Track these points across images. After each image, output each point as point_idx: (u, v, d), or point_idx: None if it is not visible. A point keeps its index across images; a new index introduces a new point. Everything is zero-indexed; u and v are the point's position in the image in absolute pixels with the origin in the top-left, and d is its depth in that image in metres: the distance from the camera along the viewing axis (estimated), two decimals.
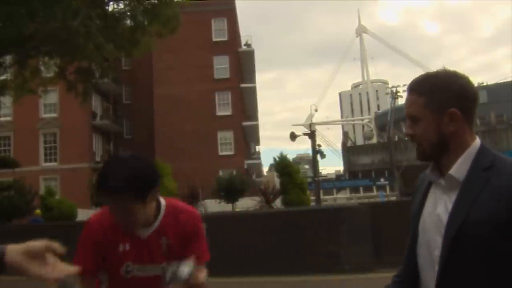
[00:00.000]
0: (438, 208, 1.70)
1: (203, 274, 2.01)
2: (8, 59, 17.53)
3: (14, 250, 1.41)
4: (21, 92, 18.37)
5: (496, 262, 1.56)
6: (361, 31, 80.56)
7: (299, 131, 33.29)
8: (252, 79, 44.75)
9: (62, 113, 35.20)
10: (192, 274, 1.90)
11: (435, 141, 1.70)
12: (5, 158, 14.47)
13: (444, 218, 1.65)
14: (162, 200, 2.19)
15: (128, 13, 17.66)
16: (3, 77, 18.44)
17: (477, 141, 1.71)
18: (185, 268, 1.88)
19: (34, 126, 35.49)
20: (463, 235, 1.59)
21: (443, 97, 1.69)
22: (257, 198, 13.81)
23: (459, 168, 1.67)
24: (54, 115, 36.03)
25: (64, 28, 14.59)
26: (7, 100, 21.81)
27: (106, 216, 2.15)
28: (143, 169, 2.02)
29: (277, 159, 13.49)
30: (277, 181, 25.92)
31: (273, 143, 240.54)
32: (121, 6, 17.90)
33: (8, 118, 35.60)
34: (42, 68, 18.70)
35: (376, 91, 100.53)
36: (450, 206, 1.66)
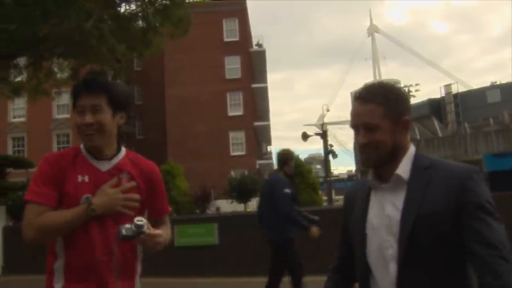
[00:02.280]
0: (386, 209, 1.79)
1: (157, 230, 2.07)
2: (22, 60, 17.69)
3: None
4: (35, 93, 18.53)
5: (451, 250, 1.68)
6: (373, 30, 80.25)
7: (310, 131, 33.22)
8: (263, 79, 44.72)
9: None
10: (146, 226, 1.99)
11: (390, 149, 1.79)
12: (19, 159, 14.60)
13: (395, 216, 1.74)
14: (123, 147, 2.32)
15: (140, 14, 17.73)
16: (18, 79, 18.62)
17: (412, 145, 1.86)
18: (138, 223, 1.96)
19: (48, 127, 35.78)
20: (418, 229, 1.68)
21: (398, 107, 1.79)
22: None
23: (404, 168, 1.79)
24: (67, 116, 36.30)
25: (77, 30, 14.69)
26: (21, 101, 22.03)
27: (65, 150, 2.24)
28: (119, 85, 2.28)
29: None
30: None
31: (284, 143, 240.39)
32: (133, 7, 17.98)
33: (22, 119, 35.98)
34: (56, 69, 18.86)
35: None
36: (399, 204, 1.75)
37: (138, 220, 1.96)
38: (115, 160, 2.21)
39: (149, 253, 2.21)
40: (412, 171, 1.79)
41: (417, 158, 1.82)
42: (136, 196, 2.09)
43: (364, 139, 1.79)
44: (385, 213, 1.78)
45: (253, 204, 13.97)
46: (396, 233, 1.73)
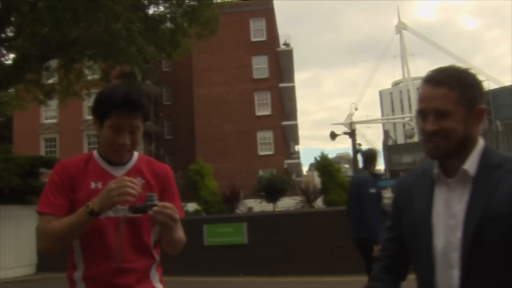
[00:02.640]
0: (452, 207, 1.65)
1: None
2: (54, 63, 18.03)
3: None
4: (66, 95, 18.88)
5: None
6: (401, 27, 79.27)
7: (338, 130, 33.05)
8: (290, 78, 44.66)
9: None
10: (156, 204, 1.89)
11: (462, 138, 1.63)
12: (52, 159, 14.88)
13: (460, 216, 1.61)
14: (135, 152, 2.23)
15: (168, 16, 17.90)
16: (49, 81, 19.00)
17: (482, 140, 1.69)
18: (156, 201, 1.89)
19: (78, 127, 36.37)
20: (484, 232, 1.55)
21: (472, 93, 1.64)
22: (298, 198, 13.77)
23: (471, 164, 1.64)
24: None
25: (107, 32, 14.90)
26: (53, 103, 22.45)
27: (77, 157, 2.16)
28: (145, 95, 2.17)
29: (318, 158, 13.43)
30: (317, 181, 25.73)
31: (311, 143, 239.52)
32: (161, 8, 18.16)
33: (54, 121, 36.71)
34: (86, 71, 19.17)
35: (417, 88, 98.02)
36: (464, 203, 1.62)
37: (148, 194, 1.91)
38: (130, 165, 2.14)
39: (179, 253, 2.15)
40: (480, 167, 1.64)
41: (486, 153, 1.67)
42: (134, 180, 1.93)
43: (433, 126, 1.63)
44: (450, 211, 1.65)
45: (281, 204, 13.94)
46: (461, 234, 1.60)
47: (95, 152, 2.17)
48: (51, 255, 2.10)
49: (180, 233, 2.10)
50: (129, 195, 1.87)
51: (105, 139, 2.06)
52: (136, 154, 2.20)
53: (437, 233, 1.66)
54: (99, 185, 2.04)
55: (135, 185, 1.89)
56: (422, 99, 1.68)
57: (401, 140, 76.98)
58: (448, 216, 1.65)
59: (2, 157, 12.25)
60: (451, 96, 1.61)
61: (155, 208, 1.86)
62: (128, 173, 2.08)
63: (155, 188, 2.11)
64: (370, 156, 6.63)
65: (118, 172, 2.09)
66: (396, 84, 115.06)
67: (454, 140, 1.63)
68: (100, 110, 2.08)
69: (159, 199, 1.99)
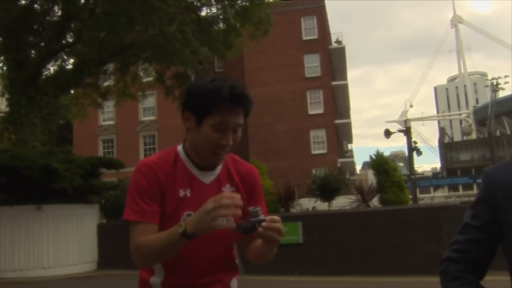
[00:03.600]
0: None
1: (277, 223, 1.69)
2: (110, 66, 18.58)
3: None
4: (122, 96, 19.43)
5: None
6: (456, 21, 77.10)
7: (392, 128, 32.49)
8: (343, 76, 44.22)
9: (160, 116, 36.72)
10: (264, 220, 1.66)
11: None
12: (111, 160, 15.32)
13: None
14: None
15: (221, 17, 18.12)
16: (106, 83, 19.60)
17: None
18: (262, 216, 1.66)
19: (134, 129, 37.29)
20: None
21: None
22: (353, 197, 13.64)
23: None
24: (152, 118, 37.65)
25: (162, 35, 15.24)
26: (110, 105, 23.12)
27: (161, 156, 1.90)
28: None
29: (373, 156, 13.26)
30: (371, 180, 25.31)
31: (363, 141, 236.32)
32: (214, 10, 18.41)
33: (111, 122, 37.82)
34: (141, 73, 19.65)
35: (474, 84, 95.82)
36: None
37: (251, 208, 1.67)
38: (218, 170, 1.91)
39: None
40: None
41: None
42: (239, 201, 1.60)
43: None
44: None
45: (336, 203, 13.83)
46: None
47: (180, 151, 1.91)
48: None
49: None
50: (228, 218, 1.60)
51: (205, 140, 1.79)
52: None
53: None
54: (188, 193, 1.83)
55: (236, 205, 1.58)
56: None
57: (457, 137, 74.86)
58: None
59: (64, 158, 12.72)
60: None
61: (264, 224, 1.65)
62: (218, 180, 1.89)
63: (243, 195, 1.86)
64: None
65: (208, 178, 1.87)
66: (452, 79, 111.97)
67: None
68: (200, 106, 1.79)
69: (245, 205, 1.81)
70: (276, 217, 1.68)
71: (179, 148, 1.92)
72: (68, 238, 12.76)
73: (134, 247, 1.76)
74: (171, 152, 1.91)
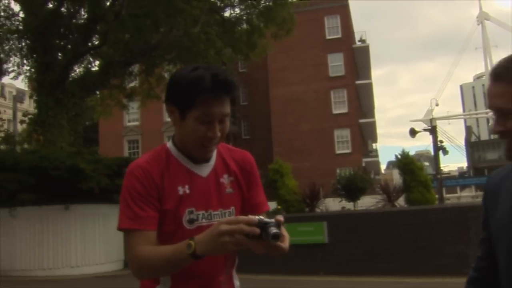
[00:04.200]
0: None
1: (286, 242, 1.57)
2: (135, 67, 18.78)
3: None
4: (147, 97, 19.61)
5: None
6: (483, 18, 75.78)
7: (417, 127, 32.11)
8: (367, 75, 43.92)
9: None
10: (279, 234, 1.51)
11: None
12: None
13: None
14: None
15: (244, 17, 18.16)
16: (131, 85, 19.81)
17: None
18: (274, 229, 1.49)
19: (159, 129, 37.61)
20: None
21: None
22: (378, 197, 13.55)
23: None
24: None
25: (186, 36, 15.35)
26: (135, 105, 23.38)
27: (152, 156, 1.80)
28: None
29: (399, 156, 13.16)
30: (396, 179, 25.05)
31: (388, 141, 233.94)
32: (237, 10, 18.47)
33: (136, 123, 38.24)
34: (166, 75, 19.80)
35: None
36: None
37: (260, 218, 1.51)
38: (213, 161, 1.82)
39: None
40: None
41: None
42: (255, 219, 1.48)
43: (497, 126, 1.46)
44: None
45: (362, 203, 13.76)
46: None
47: (171, 147, 1.82)
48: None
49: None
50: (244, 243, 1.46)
51: (191, 133, 1.70)
52: None
53: None
54: (187, 190, 1.74)
55: (252, 227, 1.46)
56: (487, 96, 1.51)
57: (484, 136, 73.71)
58: None
59: (91, 159, 12.90)
60: (510, 91, 1.41)
61: (272, 242, 1.51)
62: (215, 171, 1.81)
63: (242, 184, 1.85)
64: None
65: (204, 171, 1.79)
66: (478, 77, 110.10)
67: None
68: (182, 98, 1.69)
69: (246, 194, 1.83)
70: (286, 235, 1.56)
71: (169, 144, 1.83)
72: (95, 238, 12.93)
73: (132, 257, 1.65)
74: (161, 150, 1.81)
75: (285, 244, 1.55)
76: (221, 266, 1.81)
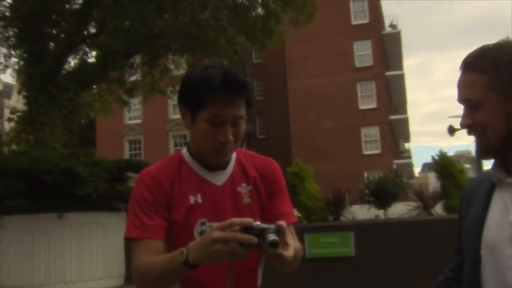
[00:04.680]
0: (511, 214, 1.49)
1: (290, 251, 1.58)
2: (137, 59, 18.80)
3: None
4: (150, 92, 19.65)
5: None
6: None
7: (456, 124, 31.84)
8: (398, 65, 43.68)
9: None
10: (278, 243, 1.53)
11: (503, 132, 1.48)
12: (140, 163, 15.52)
13: None
14: None
15: (259, 1, 18.11)
16: (133, 78, 19.86)
17: None
18: (272, 235, 1.51)
19: (164, 128, 37.76)
20: None
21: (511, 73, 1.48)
22: (412, 204, 13.47)
23: None
24: None
25: (194, 22, 15.34)
26: (137, 102, 23.46)
27: (164, 162, 1.91)
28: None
29: (435, 157, 13.06)
30: (433, 184, 24.78)
31: (422, 140, 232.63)
32: None
33: (138, 121, 38.42)
34: (172, 66, 19.82)
35: None
36: None
37: (256, 223, 1.55)
38: (230, 168, 1.89)
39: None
40: None
41: None
42: (254, 240, 1.50)
43: (465, 119, 1.53)
44: (510, 219, 1.48)
45: (393, 210, 13.68)
46: None
47: (185, 153, 1.92)
48: None
49: (298, 254, 1.77)
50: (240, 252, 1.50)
51: (201, 136, 1.78)
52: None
53: (489, 246, 1.53)
54: (199, 199, 1.81)
55: (249, 236, 1.49)
56: (457, 88, 1.57)
57: None
58: (506, 225, 1.49)
59: (88, 161, 12.95)
60: (478, 81, 1.49)
61: (270, 251, 1.53)
62: (231, 180, 1.87)
63: (263, 193, 1.90)
64: None
65: (219, 179, 1.86)
66: None
67: (492, 136, 1.50)
68: (192, 99, 1.79)
69: (266, 205, 1.87)
70: (291, 248, 1.57)
71: (184, 150, 1.93)
72: (93, 250, 12.98)
73: (134, 266, 1.75)
74: (174, 157, 1.92)
75: (288, 253, 1.56)
76: (240, 283, 1.82)
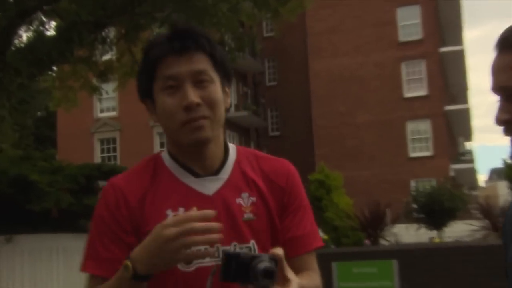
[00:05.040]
0: None
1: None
2: (111, 32, 18.80)
3: None
4: (129, 76, 19.64)
5: None
6: None
7: None
8: (457, 39, 43.57)
9: None
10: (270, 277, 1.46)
11: None
12: (114, 168, 15.60)
13: None
14: (230, 144, 1.95)
15: None
16: (106, 57, 19.86)
17: None
18: (265, 262, 1.47)
19: (147, 123, 37.79)
20: None
21: None
22: (476, 222, 13.48)
23: None
24: None
25: None
26: (111, 88, 23.45)
27: (136, 168, 1.91)
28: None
29: (507, 161, 13.06)
30: (504, 196, 24.69)
31: (489, 138, 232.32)
32: None
33: (113, 114, 38.40)
34: None
35: None
36: None
37: (243, 247, 1.64)
38: (225, 173, 1.85)
39: None
40: None
41: None
42: (215, 225, 1.54)
43: (501, 114, 1.53)
44: None
45: (450, 231, 13.68)
46: None
47: (164, 156, 1.91)
48: None
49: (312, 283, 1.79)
50: (204, 247, 1.55)
51: (164, 113, 1.79)
52: (233, 151, 1.92)
53: None
54: (181, 213, 1.71)
55: (210, 227, 1.54)
56: (491, 73, 1.56)
57: None
58: None
59: (46, 167, 13.00)
60: None
61: (264, 283, 1.48)
62: (227, 188, 1.83)
63: (272, 208, 1.84)
64: None
65: (210, 188, 1.82)
66: None
67: None
68: (144, 78, 1.86)
69: (278, 223, 1.82)
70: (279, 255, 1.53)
71: (163, 153, 1.93)
72: (52, 282, 13.03)
73: None
74: (149, 161, 1.91)
75: None
76: None
